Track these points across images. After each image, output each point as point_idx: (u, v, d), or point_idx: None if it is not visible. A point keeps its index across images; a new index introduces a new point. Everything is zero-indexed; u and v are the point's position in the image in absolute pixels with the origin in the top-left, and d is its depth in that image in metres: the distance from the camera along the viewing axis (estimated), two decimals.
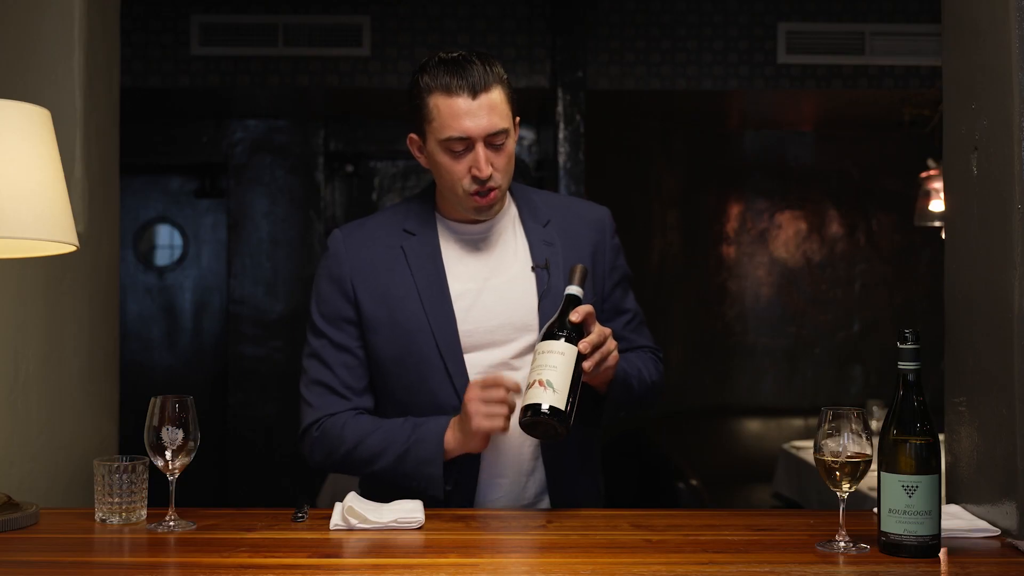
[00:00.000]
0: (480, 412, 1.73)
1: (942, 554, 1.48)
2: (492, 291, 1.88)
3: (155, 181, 6.26)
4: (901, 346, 1.51)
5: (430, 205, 1.95)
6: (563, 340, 1.70)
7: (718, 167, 6.10)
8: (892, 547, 1.47)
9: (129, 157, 3.18)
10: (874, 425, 3.67)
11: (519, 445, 1.86)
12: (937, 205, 4.33)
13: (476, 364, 1.85)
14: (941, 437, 1.60)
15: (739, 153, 6.13)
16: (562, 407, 1.67)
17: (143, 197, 6.24)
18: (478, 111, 1.77)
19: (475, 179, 1.79)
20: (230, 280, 5.85)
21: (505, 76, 1.83)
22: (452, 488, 1.82)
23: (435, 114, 1.79)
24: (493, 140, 1.79)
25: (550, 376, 1.67)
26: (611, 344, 1.75)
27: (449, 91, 1.77)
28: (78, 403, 2.47)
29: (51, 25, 2.37)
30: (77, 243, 1.71)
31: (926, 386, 1.50)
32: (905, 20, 5.11)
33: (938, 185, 4.25)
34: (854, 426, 1.51)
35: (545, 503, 1.89)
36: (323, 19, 5.04)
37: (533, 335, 1.86)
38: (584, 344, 1.70)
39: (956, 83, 1.87)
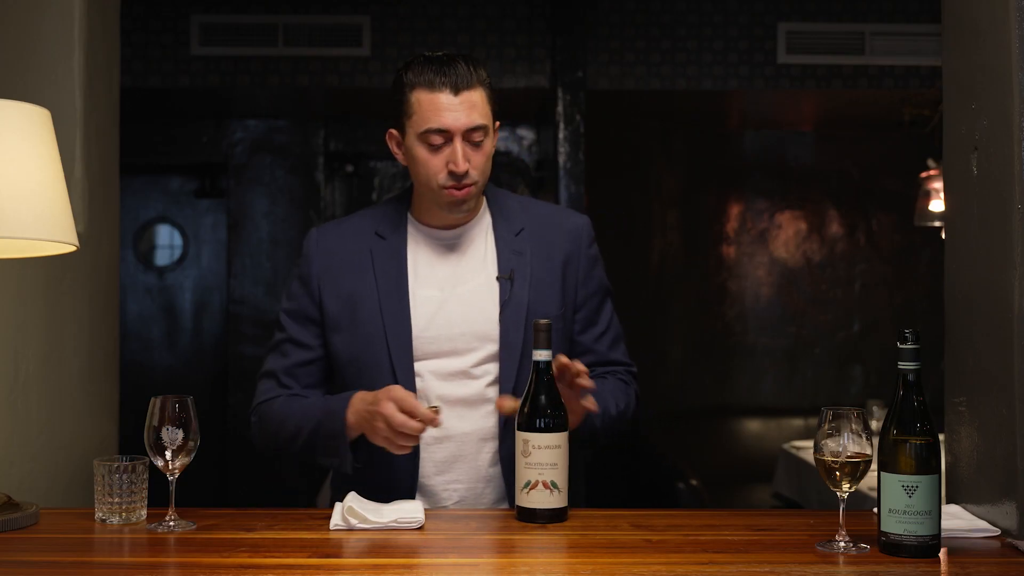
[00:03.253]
0: (384, 438, 1.71)
1: (942, 554, 1.48)
2: (457, 299, 1.88)
3: (155, 181, 6.26)
4: (901, 346, 1.50)
5: (405, 208, 1.96)
6: (553, 433, 1.66)
7: (718, 167, 6.10)
8: (892, 547, 1.47)
9: (129, 157, 3.18)
10: (874, 425, 3.66)
11: (476, 452, 1.87)
12: (937, 205, 4.33)
13: (436, 371, 1.86)
14: (941, 437, 1.59)
15: (739, 153, 6.13)
16: (566, 503, 1.68)
17: (143, 197, 6.24)
18: (459, 106, 1.79)
19: (451, 174, 1.81)
20: (230, 280, 5.85)
21: (488, 80, 1.85)
22: (365, 469, 1.82)
23: (416, 108, 1.82)
24: (471, 137, 1.81)
25: (553, 477, 1.65)
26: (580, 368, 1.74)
27: (432, 87, 1.80)
28: (78, 403, 2.47)
29: (51, 25, 2.37)
30: (77, 243, 1.71)
31: (926, 386, 1.50)
32: (905, 20, 5.11)
33: (938, 185, 4.25)
34: (854, 426, 1.51)
35: (505, 506, 1.88)
36: (323, 19, 5.04)
37: (493, 345, 1.86)
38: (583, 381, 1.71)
39: (956, 83, 1.87)
